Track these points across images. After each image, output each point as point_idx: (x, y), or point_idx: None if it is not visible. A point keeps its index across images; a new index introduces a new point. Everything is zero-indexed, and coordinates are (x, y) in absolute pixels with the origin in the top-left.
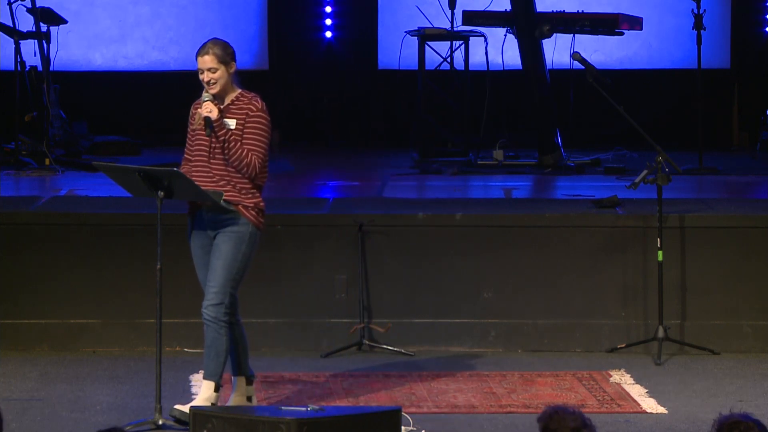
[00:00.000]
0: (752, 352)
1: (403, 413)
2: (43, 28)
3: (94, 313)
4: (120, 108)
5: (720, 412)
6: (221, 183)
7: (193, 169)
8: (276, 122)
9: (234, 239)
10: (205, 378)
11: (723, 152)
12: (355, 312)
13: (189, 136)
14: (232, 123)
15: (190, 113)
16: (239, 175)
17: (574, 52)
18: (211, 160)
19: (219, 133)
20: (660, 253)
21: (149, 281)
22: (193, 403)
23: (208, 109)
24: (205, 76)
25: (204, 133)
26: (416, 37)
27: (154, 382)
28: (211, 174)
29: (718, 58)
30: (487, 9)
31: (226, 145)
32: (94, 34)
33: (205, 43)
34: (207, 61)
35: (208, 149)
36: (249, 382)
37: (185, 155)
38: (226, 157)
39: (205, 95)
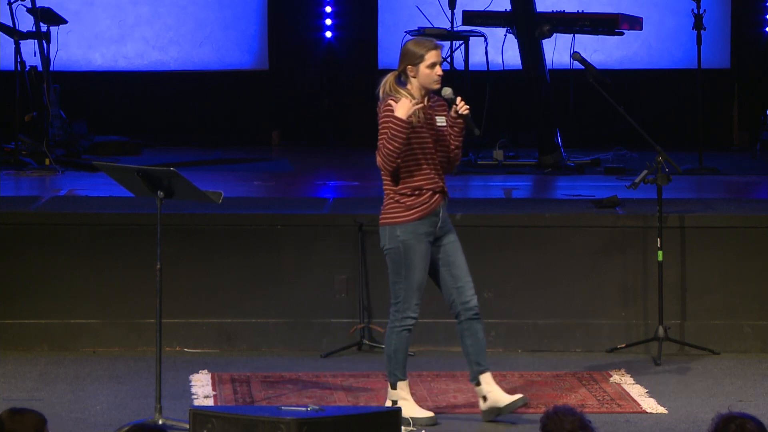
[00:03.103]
0: (752, 352)
1: (403, 413)
2: (43, 28)
3: (94, 313)
4: (120, 108)
5: (717, 412)
6: (441, 176)
7: (423, 166)
8: (276, 122)
9: (456, 235)
10: (483, 372)
11: (723, 152)
12: (355, 312)
13: (404, 130)
14: (442, 120)
15: (394, 106)
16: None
17: (574, 52)
18: (437, 155)
19: (458, 129)
20: (660, 253)
21: (149, 281)
22: (500, 396)
23: (466, 106)
24: (438, 70)
25: (425, 131)
26: None
27: (154, 382)
28: (438, 171)
29: (718, 58)
30: (487, 9)
31: (460, 141)
32: (94, 34)
33: (424, 38)
34: (440, 54)
35: (433, 146)
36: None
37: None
38: (457, 154)
39: (448, 91)
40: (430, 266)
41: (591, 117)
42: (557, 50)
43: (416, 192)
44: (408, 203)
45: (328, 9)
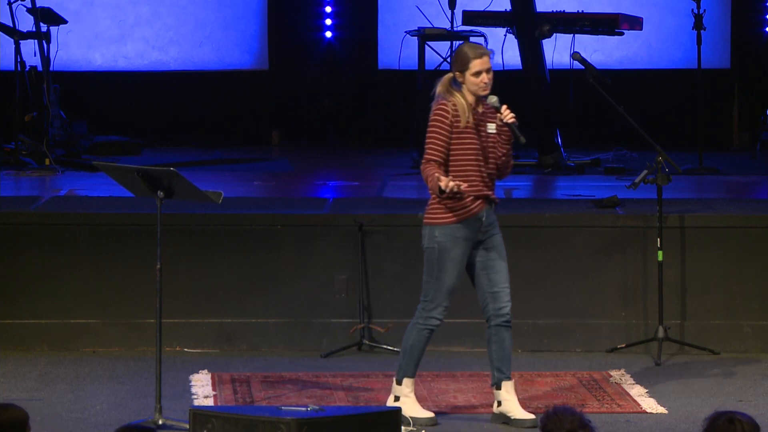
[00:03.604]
0: (752, 352)
1: (403, 413)
2: (43, 28)
3: (94, 313)
4: (120, 108)
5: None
6: (489, 184)
7: (468, 170)
8: (276, 122)
9: (502, 239)
10: (505, 380)
11: (723, 152)
12: (355, 312)
13: (442, 136)
14: (493, 127)
15: (444, 113)
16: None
17: (574, 52)
18: (487, 163)
19: (506, 137)
20: (660, 253)
21: (149, 281)
22: (514, 408)
23: (512, 114)
24: (484, 77)
25: (473, 135)
26: (416, 37)
27: (154, 382)
28: (483, 176)
29: (718, 58)
30: (487, 9)
31: (508, 149)
32: (94, 34)
33: (474, 44)
34: (487, 61)
35: (481, 152)
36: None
37: (437, 156)
38: (507, 161)
39: (494, 99)
40: (470, 268)
41: (591, 117)
42: (557, 50)
43: (457, 195)
44: (448, 205)
45: (328, 9)
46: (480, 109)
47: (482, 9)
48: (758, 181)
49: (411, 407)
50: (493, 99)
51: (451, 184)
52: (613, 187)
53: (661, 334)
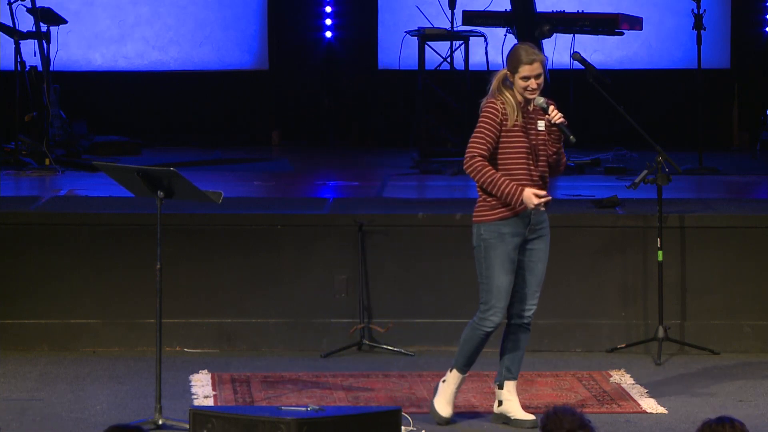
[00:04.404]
0: (752, 352)
1: (403, 413)
2: (43, 28)
3: (94, 313)
4: (120, 108)
5: (706, 419)
6: (540, 184)
7: (516, 169)
8: (276, 122)
9: (548, 241)
10: (510, 380)
11: (723, 152)
12: (355, 312)
13: (491, 133)
14: (543, 125)
15: (494, 111)
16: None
17: (574, 52)
18: (537, 163)
19: (555, 136)
20: (660, 253)
21: (149, 281)
22: (514, 408)
23: (560, 114)
24: (532, 83)
25: (521, 134)
26: (416, 37)
27: (154, 382)
28: (532, 175)
29: (718, 58)
30: (487, 9)
31: (559, 147)
32: (94, 34)
33: (529, 49)
34: (537, 68)
35: (530, 151)
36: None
37: (483, 150)
38: (559, 159)
39: (541, 100)
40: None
41: (591, 117)
42: (557, 50)
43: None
44: (493, 203)
45: (328, 9)
46: (530, 108)
47: (482, 9)
48: (758, 181)
49: (442, 397)
50: (540, 100)
51: (543, 204)
52: (613, 187)
53: (661, 334)
